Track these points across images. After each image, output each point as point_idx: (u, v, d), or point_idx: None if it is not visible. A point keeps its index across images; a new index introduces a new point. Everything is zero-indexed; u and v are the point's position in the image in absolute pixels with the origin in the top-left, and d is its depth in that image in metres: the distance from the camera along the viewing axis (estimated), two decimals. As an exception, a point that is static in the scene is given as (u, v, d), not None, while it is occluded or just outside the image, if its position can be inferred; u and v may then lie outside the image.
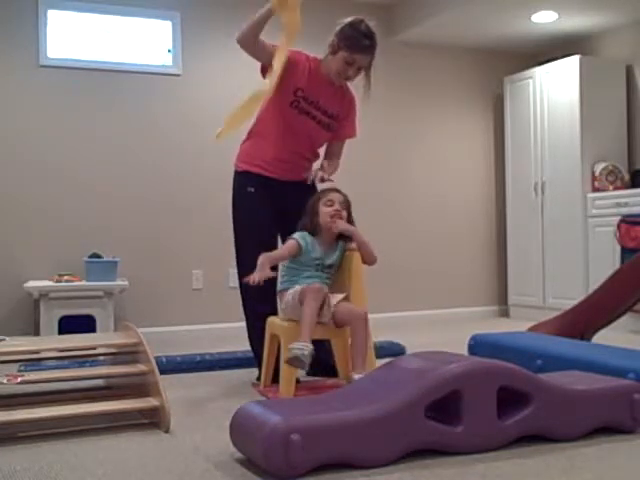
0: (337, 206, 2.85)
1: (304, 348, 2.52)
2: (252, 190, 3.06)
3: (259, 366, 3.05)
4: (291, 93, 2.99)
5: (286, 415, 1.83)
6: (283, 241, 3.09)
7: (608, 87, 5.21)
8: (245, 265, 2.89)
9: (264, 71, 3.01)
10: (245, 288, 2.93)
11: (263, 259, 2.72)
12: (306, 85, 3.00)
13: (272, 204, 3.06)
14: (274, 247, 3.01)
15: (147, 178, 4.79)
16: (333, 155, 3.22)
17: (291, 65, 2.95)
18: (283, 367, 2.67)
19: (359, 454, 1.84)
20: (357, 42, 2.93)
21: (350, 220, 2.92)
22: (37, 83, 4.58)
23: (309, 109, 3.01)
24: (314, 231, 2.87)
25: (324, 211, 2.85)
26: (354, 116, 3.20)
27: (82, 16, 4.72)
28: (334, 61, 2.98)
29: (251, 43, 2.91)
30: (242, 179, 3.10)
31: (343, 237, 2.90)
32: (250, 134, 3.15)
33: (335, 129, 3.14)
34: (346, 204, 2.90)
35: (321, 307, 2.68)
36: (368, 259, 2.89)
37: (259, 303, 2.99)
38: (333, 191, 2.91)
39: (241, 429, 1.95)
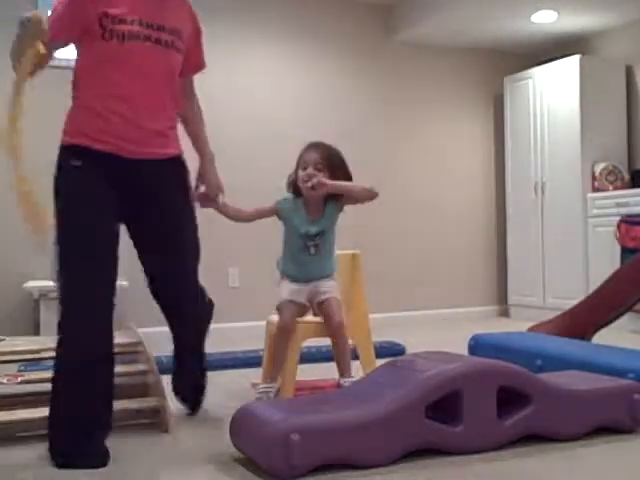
0: (310, 170, 2.51)
1: (269, 391, 2.55)
2: (78, 164, 2.21)
3: None
4: (96, 25, 2.19)
5: (286, 415, 1.83)
6: (140, 251, 2.48)
7: (608, 87, 5.21)
8: (67, 281, 2.23)
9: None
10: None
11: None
12: (113, 4, 2.13)
13: (113, 191, 2.21)
14: (110, 257, 2.26)
15: (147, 178, 4.78)
16: (191, 95, 2.59)
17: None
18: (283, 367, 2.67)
19: (359, 454, 1.84)
20: None
21: (336, 176, 2.53)
22: (37, 83, 4.57)
23: (137, 30, 2.14)
24: (298, 193, 2.60)
25: (299, 175, 2.55)
26: (201, 36, 2.49)
27: (82, 16, 4.71)
28: None
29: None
30: (65, 155, 2.28)
31: (333, 196, 2.56)
32: (73, 100, 2.38)
33: (184, 54, 2.32)
34: (326, 161, 2.52)
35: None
36: (364, 197, 2.52)
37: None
38: (310, 150, 2.56)
39: (241, 429, 1.95)
